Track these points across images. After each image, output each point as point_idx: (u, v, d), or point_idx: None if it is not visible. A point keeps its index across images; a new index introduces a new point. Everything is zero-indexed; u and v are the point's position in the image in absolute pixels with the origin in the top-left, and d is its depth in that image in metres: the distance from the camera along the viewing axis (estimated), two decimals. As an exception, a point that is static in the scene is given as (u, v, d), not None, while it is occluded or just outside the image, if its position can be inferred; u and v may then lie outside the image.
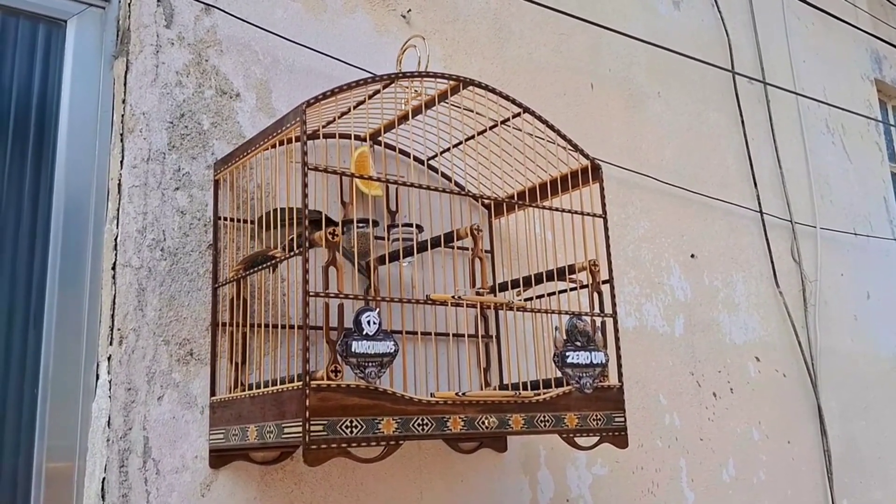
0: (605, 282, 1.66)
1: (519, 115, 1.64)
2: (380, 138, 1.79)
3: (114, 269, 1.49)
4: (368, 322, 1.32)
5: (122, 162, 1.54)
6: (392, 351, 1.33)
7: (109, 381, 1.45)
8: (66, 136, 1.57)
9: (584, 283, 1.68)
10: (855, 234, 3.29)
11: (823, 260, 3.06)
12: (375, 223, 1.71)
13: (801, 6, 3.34)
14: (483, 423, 1.42)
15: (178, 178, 1.59)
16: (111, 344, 1.46)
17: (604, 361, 1.59)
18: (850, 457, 2.89)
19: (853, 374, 3.04)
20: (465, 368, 1.83)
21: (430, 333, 1.66)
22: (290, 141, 1.46)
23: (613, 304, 1.67)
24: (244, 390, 1.47)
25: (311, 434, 1.24)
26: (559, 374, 1.57)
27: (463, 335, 1.82)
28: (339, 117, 1.64)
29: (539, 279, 1.70)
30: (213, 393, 1.53)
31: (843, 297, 3.12)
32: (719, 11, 3.01)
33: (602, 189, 1.72)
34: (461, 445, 1.85)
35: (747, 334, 2.68)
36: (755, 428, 2.58)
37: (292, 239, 1.40)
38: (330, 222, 1.36)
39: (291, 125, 1.38)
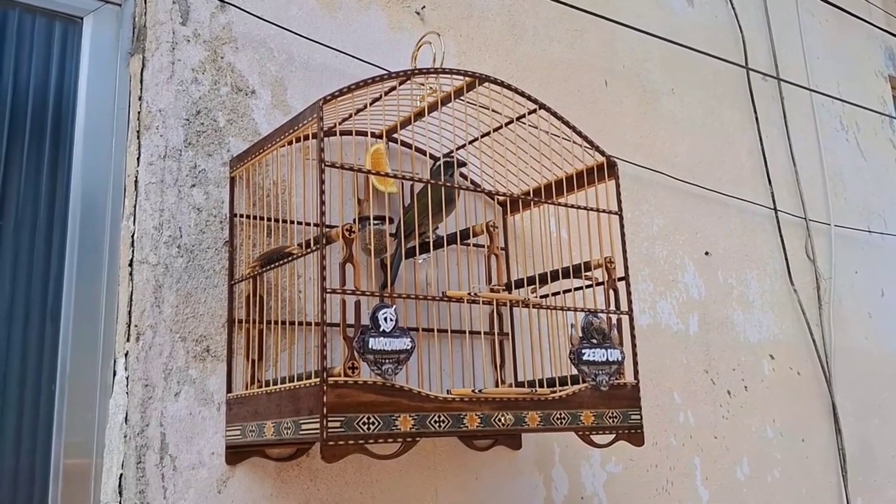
0: (620, 279, 1.66)
1: (534, 111, 1.64)
2: (395, 135, 1.79)
3: (131, 265, 1.50)
4: (385, 319, 1.32)
5: (138, 159, 1.54)
6: (409, 348, 1.33)
7: (126, 378, 1.45)
8: (83, 134, 1.57)
9: (600, 280, 1.67)
10: (869, 231, 3.28)
11: (838, 257, 3.05)
12: (391, 220, 1.71)
13: (814, 2, 3.33)
14: (499, 420, 1.42)
15: (195, 175, 1.59)
16: (128, 340, 1.47)
17: (620, 359, 1.59)
18: (864, 455, 2.88)
19: (868, 372, 3.03)
20: (480, 365, 1.83)
21: (445, 330, 1.66)
22: (306, 138, 1.46)
23: (629, 302, 1.66)
24: (261, 387, 1.47)
25: (329, 431, 1.24)
26: (574, 372, 1.56)
27: (478, 332, 1.81)
28: (354, 114, 1.64)
29: (554, 276, 1.69)
30: (229, 389, 1.53)
31: (857, 295, 3.10)
32: (733, 8, 3.00)
33: (618, 186, 1.71)
34: (476, 443, 1.84)
35: (761, 332, 2.67)
36: (769, 426, 2.57)
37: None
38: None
39: (308, 122, 1.38)
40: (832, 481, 2.73)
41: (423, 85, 1.58)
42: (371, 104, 1.60)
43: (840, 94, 3.35)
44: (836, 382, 2.85)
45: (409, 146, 1.83)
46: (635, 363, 1.64)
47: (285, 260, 1.46)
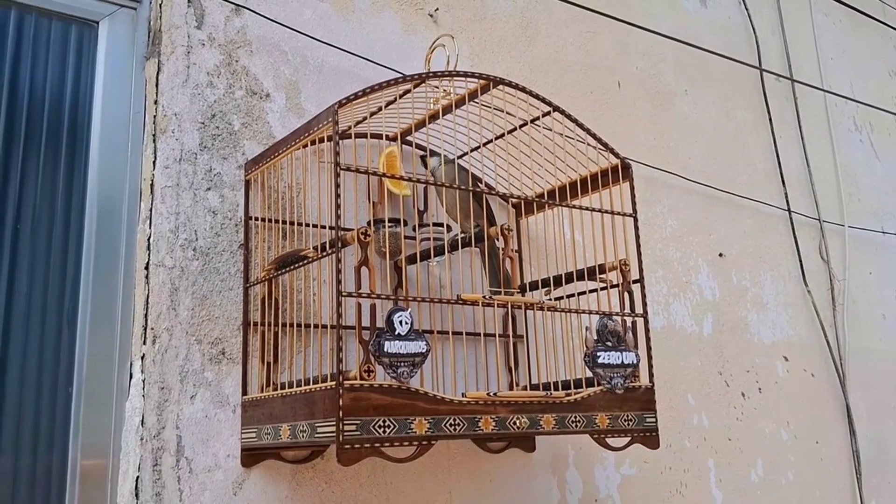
0: (635, 281, 1.65)
1: (548, 113, 1.63)
2: (409, 137, 1.80)
3: (147, 268, 1.50)
4: (401, 322, 1.32)
5: (154, 162, 1.55)
6: (424, 351, 1.33)
7: (143, 380, 1.46)
8: (99, 137, 1.58)
9: (614, 282, 1.67)
10: (883, 232, 3.26)
11: (851, 258, 3.03)
12: (405, 222, 1.71)
13: (828, 3, 3.31)
14: (514, 423, 1.42)
15: (210, 179, 1.60)
16: (144, 343, 1.47)
17: (635, 362, 1.58)
18: (879, 457, 2.86)
19: (882, 374, 3.01)
20: (494, 368, 1.83)
21: (460, 333, 1.66)
22: (321, 140, 1.46)
23: (644, 304, 1.66)
24: (276, 389, 1.47)
25: (345, 434, 1.24)
26: (588, 375, 1.56)
27: (493, 335, 1.81)
28: (369, 116, 1.64)
29: (569, 279, 1.69)
30: (244, 392, 1.54)
31: (871, 296, 3.08)
32: (746, 9, 2.99)
33: (632, 188, 1.71)
34: (490, 445, 1.84)
35: (776, 334, 2.66)
36: (783, 428, 2.56)
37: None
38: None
39: (324, 125, 1.38)
40: (847, 483, 2.72)
41: (437, 87, 1.58)
42: (385, 107, 1.60)
43: (854, 94, 3.33)
44: (851, 384, 2.83)
45: (423, 149, 1.83)
46: (650, 366, 1.64)
47: (300, 263, 1.46)
